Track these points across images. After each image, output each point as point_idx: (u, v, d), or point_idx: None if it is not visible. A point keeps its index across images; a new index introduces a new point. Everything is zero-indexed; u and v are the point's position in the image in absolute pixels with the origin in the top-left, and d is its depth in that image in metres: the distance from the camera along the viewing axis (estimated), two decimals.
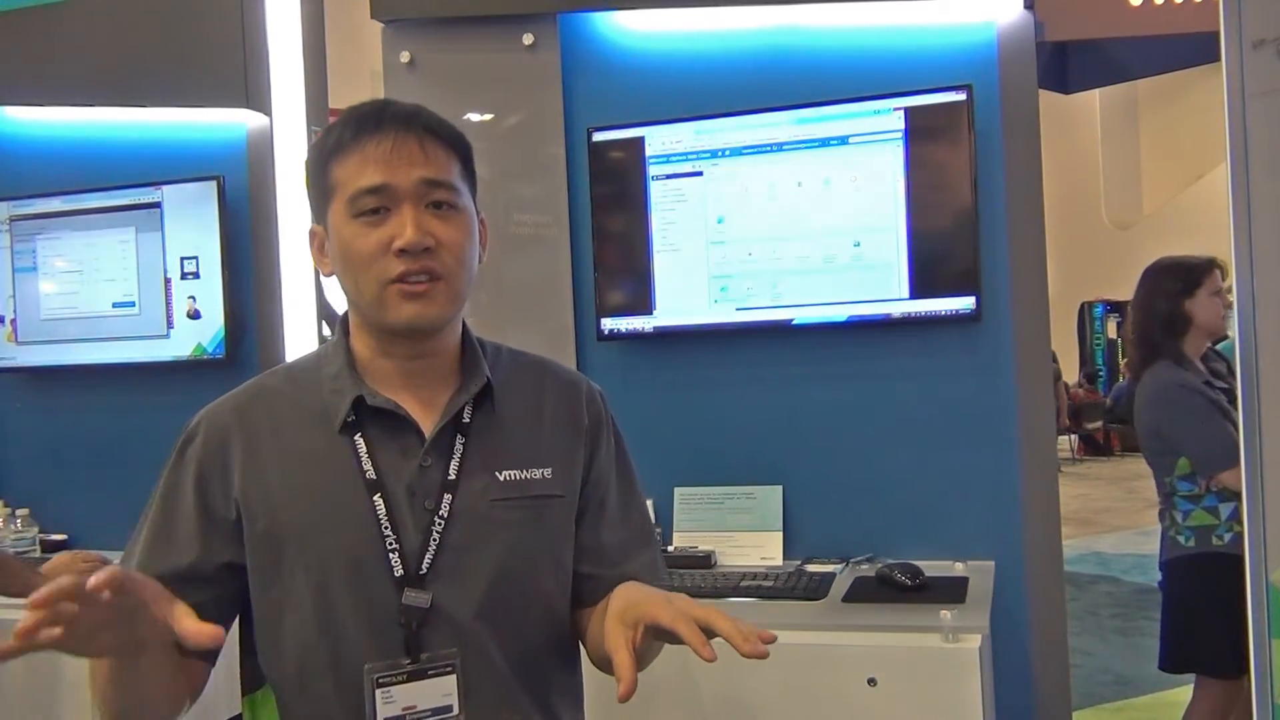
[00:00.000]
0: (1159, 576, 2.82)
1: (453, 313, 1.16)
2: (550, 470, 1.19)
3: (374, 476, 1.12)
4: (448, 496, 1.13)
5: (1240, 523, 2.55)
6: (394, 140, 1.10)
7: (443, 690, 1.11)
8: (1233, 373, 2.76)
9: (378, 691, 1.09)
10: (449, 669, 1.11)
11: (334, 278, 1.17)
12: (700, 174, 2.34)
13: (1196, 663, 2.70)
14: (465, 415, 1.17)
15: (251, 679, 1.21)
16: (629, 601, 1.06)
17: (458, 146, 1.16)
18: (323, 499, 1.12)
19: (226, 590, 1.15)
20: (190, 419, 1.18)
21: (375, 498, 1.12)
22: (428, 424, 1.15)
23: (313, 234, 1.19)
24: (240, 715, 1.38)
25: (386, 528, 1.11)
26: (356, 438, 1.14)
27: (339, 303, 2.63)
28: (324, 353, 1.21)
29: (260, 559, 1.13)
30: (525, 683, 1.16)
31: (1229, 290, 2.48)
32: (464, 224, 1.14)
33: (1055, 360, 7.67)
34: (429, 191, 1.11)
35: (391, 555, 1.11)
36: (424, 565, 1.11)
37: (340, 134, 1.13)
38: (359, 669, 1.10)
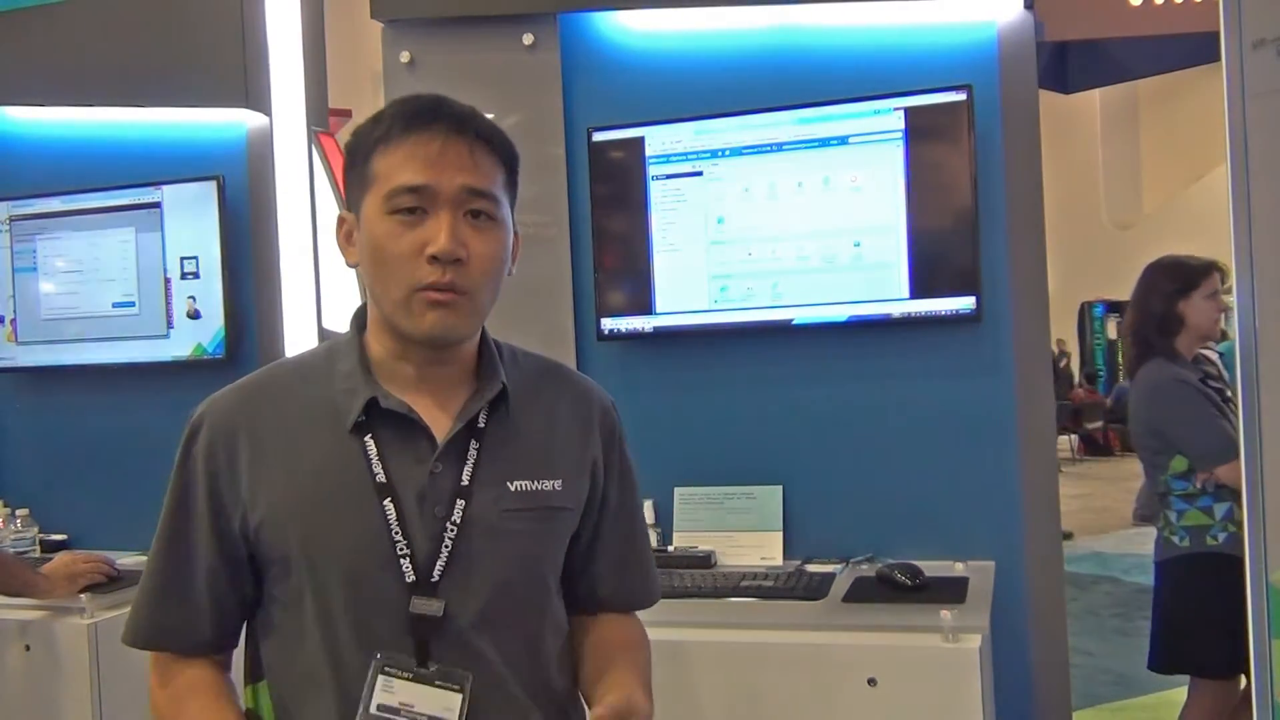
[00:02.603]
0: None
1: (473, 328, 1.14)
2: (560, 482, 1.18)
3: (384, 480, 1.10)
4: (460, 503, 1.11)
5: (1235, 522, 2.57)
6: (444, 141, 1.07)
7: (445, 704, 1.08)
8: (1222, 375, 2.77)
9: (380, 677, 1.07)
10: (457, 688, 1.09)
11: (355, 270, 1.14)
12: (700, 174, 2.34)
13: (1191, 663, 2.70)
14: (480, 420, 1.15)
15: (255, 668, 1.20)
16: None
17: (505, 155, 1.13)
18: (330, 501, 1.10)
19: (252, 588, 1.15)
20: (194, 410, 1.16)
21: (385, 502, 1.09)
22: (440, 428, 1.13)
23: (341, 220, 1.16)
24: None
25: (397, 533, 1.09)
26: (367, 439, 1.11)
27: (333, 323, 2.63)
28: (336, 347, 1.18)
29: (267, 559, 1.12)
30: (527, 691, 1.15)
31: (1229, 292, 2.48)
32: (499, 238, 1.11)
33: (1066, 355, 7.63)
34: (470, 200, 1.08)
35: (402, 560, 1.08)
36: (435, 573, 1.09)
37: (390, 125, 1.09)
38: (360, 676, 1.08)
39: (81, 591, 2.27)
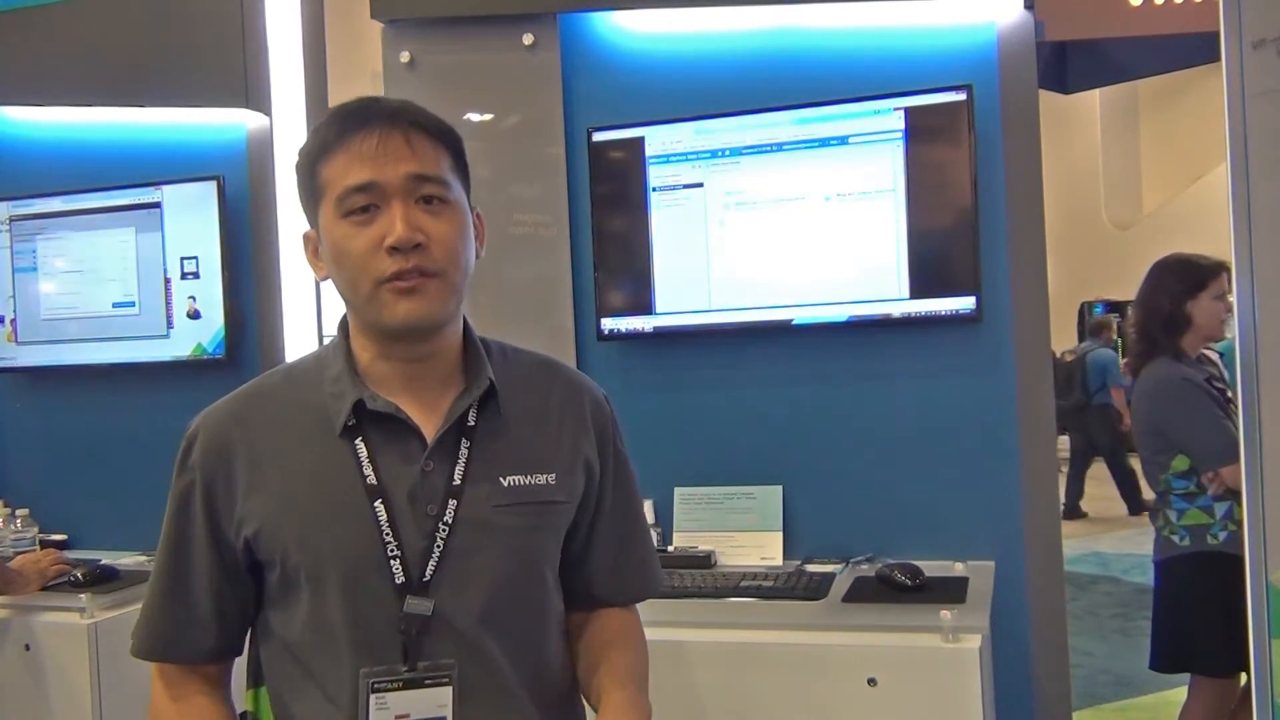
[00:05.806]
0: None
1: (450, 310, 1.13)
2: (554, 476, 1.18)
3: (375, 482, 1.11)
4: (452, 502, 1.12)
5: (1235, 521, 2.57)
6: (380, 136, 1.08)
7: (438, 701, 1.09)
8: (1224, 375, 2.77)
9: (372, 697, 1.08)
10: (445, 680, 1.10)
11: (329, 282, 1.15)
12: (700, 174, 2.33)
13: (1193, 662, 2.70)
14: (470, 419, 1.15)
15: (257, 671, 1.21)
16: None
17: (446, 140, 1.14)
18: (323, 504, 1.11)
19: (254, 596, 1.17)
20: (189, 424, 1.17)
21: (376, 503, 1.10)
22: (429, 428, 1.13)
23: (306, 239, 1.17)
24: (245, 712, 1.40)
25: (388, 534, 1.09)
26: (357, 442, 1.12)
27: (332, 324, 2.64)
28: (324, 354, 1.19)
29: (264, 565, 1.13)
30: (527, 687, 1.16)
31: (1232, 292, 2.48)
32: (455, 218, 1.12)
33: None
34: (418, 186, 1.09)
35: (393, 562, 1.09)
36: (427, 572, 1.10)
37: (325, 134, 1.11)
38: (354, 675, 1.09)
39: (42, 589, 2.34)
